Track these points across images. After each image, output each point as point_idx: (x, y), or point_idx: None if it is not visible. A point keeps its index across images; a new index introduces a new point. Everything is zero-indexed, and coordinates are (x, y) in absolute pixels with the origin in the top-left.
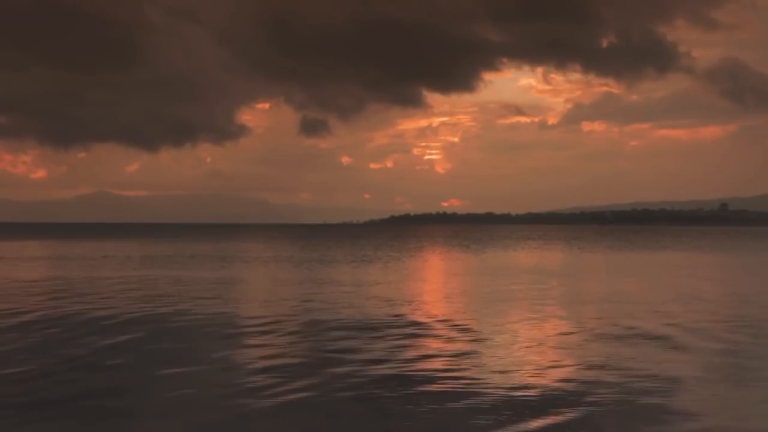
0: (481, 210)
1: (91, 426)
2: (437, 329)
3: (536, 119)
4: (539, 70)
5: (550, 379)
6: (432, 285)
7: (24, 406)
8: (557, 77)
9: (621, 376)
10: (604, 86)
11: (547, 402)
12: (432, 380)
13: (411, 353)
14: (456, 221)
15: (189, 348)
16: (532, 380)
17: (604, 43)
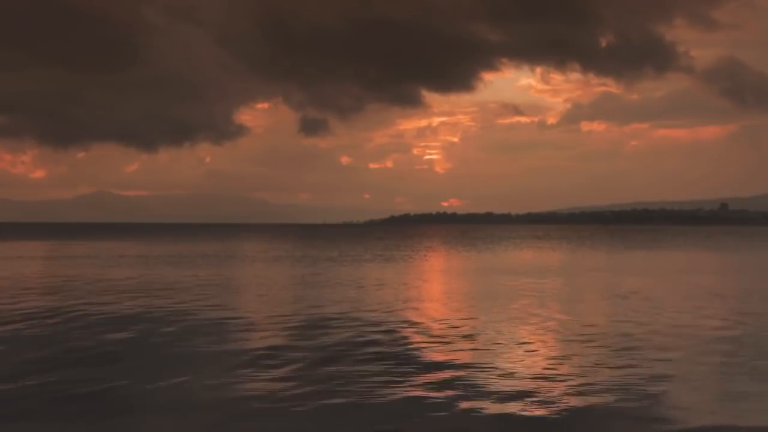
0: (480, 210)
1: (91, 425)
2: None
3: (535, 119)
4: (538, 69)
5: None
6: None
7: (25, 405)
8: (556, 77)
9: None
10: (603, 86)
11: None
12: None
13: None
14: (456, 221)
15: (209, 348)
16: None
17: (603, 43)
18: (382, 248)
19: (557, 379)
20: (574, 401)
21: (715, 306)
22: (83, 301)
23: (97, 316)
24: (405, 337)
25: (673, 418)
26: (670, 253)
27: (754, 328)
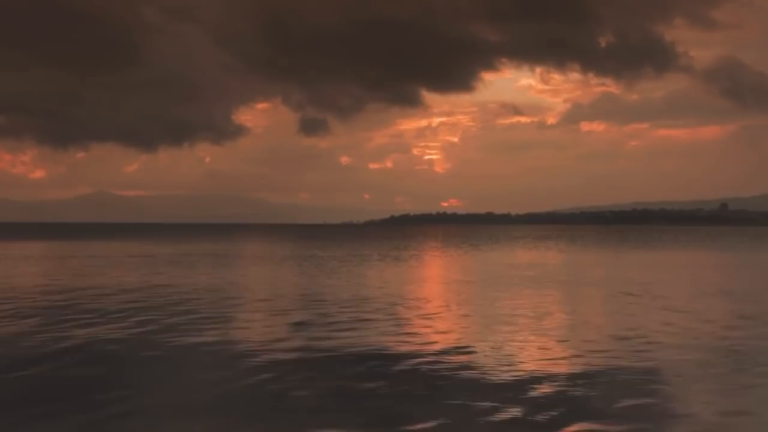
0: (480, 210)
1: (91, 424)
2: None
3: (535, 119)
4: (538, 70)
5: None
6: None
7: (25, 403)
8: (556, 77)
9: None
10: (602, 86)
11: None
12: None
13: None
14: (456, 221)
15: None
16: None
17: (603, 43)
18: (388, 248)
19: (568, 378)
20: (585, 397)
21: (723, 303)
22: (104, 307)
23: (115, 320)
24: (417, 334)
25: (679, 413)
26: (674, 253)
27: (760, 327)
